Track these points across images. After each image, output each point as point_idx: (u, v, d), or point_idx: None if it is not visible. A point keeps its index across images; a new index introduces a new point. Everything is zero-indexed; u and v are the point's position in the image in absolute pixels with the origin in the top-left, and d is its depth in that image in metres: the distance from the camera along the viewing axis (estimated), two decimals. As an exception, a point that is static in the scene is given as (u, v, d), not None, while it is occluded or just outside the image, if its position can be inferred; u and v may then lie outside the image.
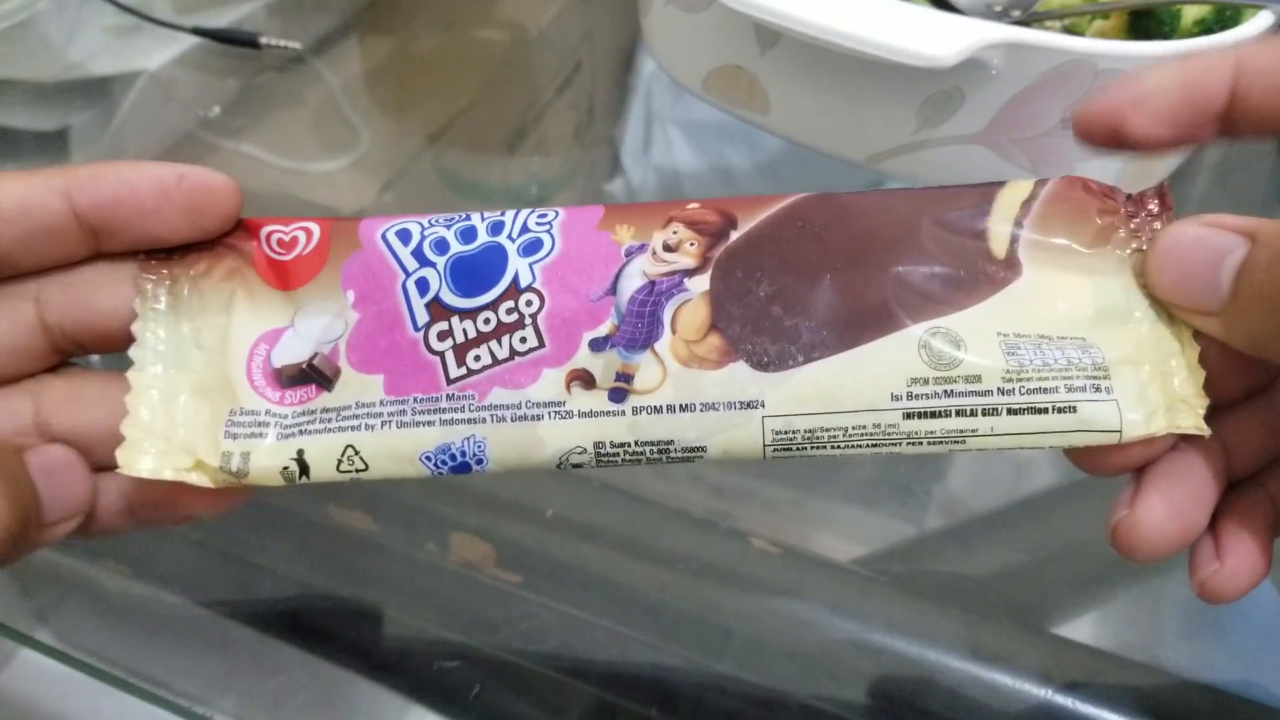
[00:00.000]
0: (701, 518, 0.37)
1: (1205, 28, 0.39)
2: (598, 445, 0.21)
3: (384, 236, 0.23)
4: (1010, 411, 0.21)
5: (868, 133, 0.37)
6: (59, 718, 0.35)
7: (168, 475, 0.21)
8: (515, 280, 0.22)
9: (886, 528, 0.37)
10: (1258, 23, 0.35)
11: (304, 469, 0.22)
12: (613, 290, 0.22)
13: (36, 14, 0.51)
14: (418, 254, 0.22)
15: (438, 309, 0.22)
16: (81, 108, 0.50)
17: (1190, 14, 0.39)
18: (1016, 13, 0.38)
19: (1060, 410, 0.21)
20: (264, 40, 0.52)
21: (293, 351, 0.22)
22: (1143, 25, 0.40)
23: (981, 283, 0.22)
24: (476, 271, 0.22)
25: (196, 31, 0.51)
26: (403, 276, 0.22)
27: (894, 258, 0.22)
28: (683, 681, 0.33)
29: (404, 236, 0.23)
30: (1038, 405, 0.21)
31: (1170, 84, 0.21)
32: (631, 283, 0.22)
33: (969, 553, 0.37)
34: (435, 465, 0.22)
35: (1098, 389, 0.21)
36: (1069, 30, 0.39)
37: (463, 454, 0.21)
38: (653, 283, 0.22)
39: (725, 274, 0.22)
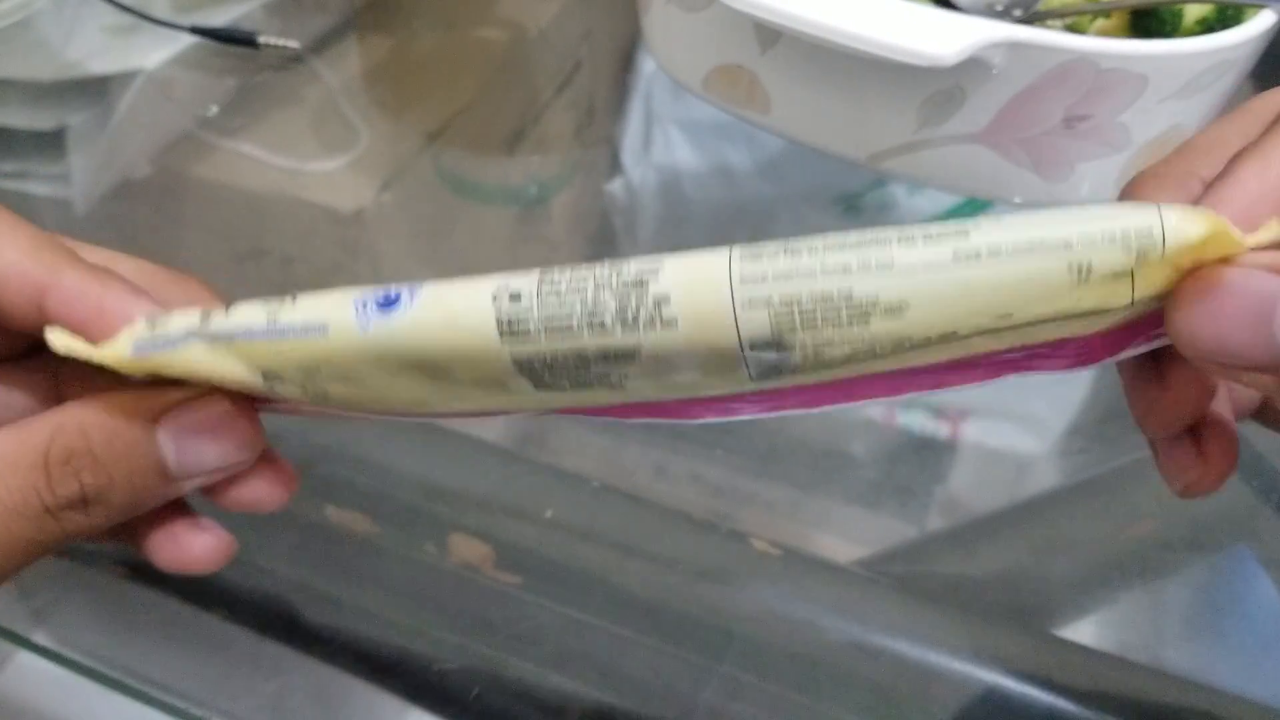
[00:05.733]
0: (702, 519, 0.36)
1: (1207, 26, 0.39)
2: None
3: None
4: None
5: (869, 132, 0.37)
6: (56, 720, 0.35)
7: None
8: None
9: (887, 529, 0.37)
10: (1260, 22, 0.35)
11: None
12: None
13: (34, 13, 0.51)
14: None
15: None
16: (79, 107, 0.50)
17: (1192, 13, 0.39)
18: (1018, 11, 0.37)
19: None
20: (262, 39, 0.51)
21: None
22: (1144, 24, 0.40)
23: None
24: None
25: (194, 31, 0.51)
26: None
27: None
28: (683, 683, 0.32)
29: None
30: None
31: None
32: None
33: (970, 554, 0.37)
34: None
35: None
36: (1070, 29, 0.39)
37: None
38: None
39: None
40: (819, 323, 0.18)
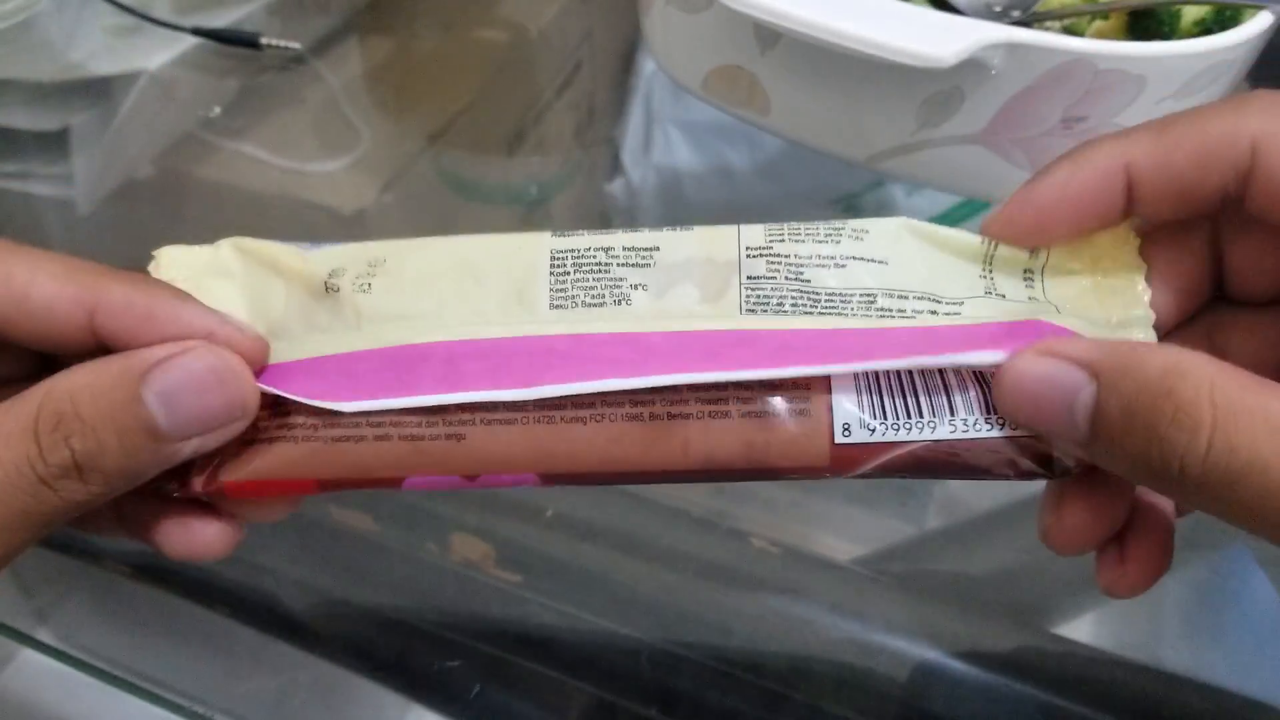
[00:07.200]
0: (701, 517, 0.37)
1: (1205, 28, 0.39)
2: None
3: None
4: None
5: (868, 133, 0.37)
6: (59, 718, 0.35)
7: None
8: None
9: (887, 528, 0.37)
10: (1257, 23, 0.35)
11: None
12: None
13: (36, 14, 0.51)
14: None
15: None
16: (81, 108, 0.50)
17: (1190, 14, 0.39)
18: (1016, 13, 0.38)
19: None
20: (264, 40, 0.52)
21: None
22: (1142, 25, 0.40)
23: None
24: None
25: (196, 32, 0.52)
26: None
27: None
28: (683, 681, 0.33)
29: None
30: None
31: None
32: None
33: (969, 553, 0.37)
34: None
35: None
36: (1069, 30, 0.39)
37: None
38: None
39: None
40: (803, 237, 0.24)
